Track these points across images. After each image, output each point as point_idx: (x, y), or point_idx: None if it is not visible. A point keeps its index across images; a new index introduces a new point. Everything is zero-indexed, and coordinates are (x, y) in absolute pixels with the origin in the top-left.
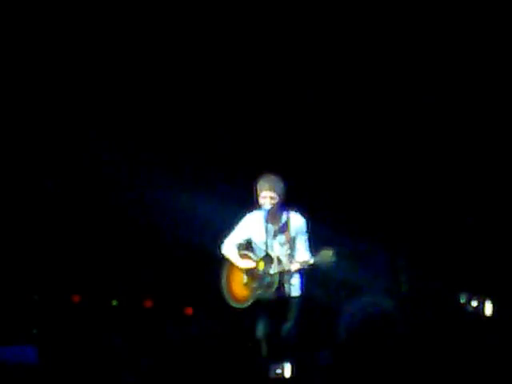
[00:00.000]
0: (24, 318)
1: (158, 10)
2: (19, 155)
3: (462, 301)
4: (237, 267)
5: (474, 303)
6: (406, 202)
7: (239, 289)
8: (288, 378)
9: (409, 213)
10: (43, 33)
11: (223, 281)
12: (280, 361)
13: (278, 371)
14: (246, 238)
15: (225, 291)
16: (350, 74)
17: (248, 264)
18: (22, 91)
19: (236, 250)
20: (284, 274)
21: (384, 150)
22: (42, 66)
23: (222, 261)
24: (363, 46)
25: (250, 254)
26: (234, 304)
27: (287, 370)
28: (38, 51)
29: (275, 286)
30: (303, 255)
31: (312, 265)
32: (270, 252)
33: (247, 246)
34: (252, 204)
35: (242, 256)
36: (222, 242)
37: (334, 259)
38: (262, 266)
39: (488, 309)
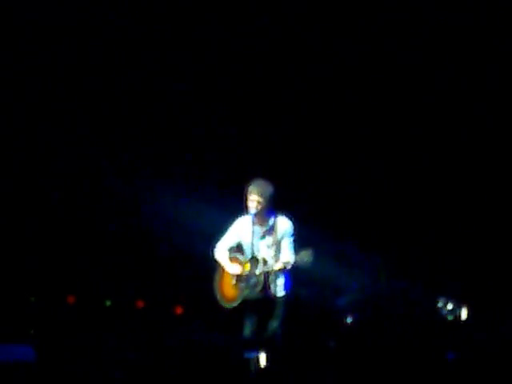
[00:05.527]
0: (21, 319)
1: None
2: (15, 156)
3: (440, 305)
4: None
5: (450, 307)
6: (391, 205)
7: (229, 289)
8: (268, 371)
9: (392, 216)
10: (43, 45)
11: (215, 282)
12: (255, 350)
13: (253, 359)
14: (236, 241)
15: (216, 292)
16: (332, 79)
17: (236, 270)
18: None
19: (227, 254)
20: (269, 275)
21: (365, 152)
22: (42, 71)
23: (214, 263)
24: (355, 48)
25: (239, 257)
26: (224, 304)
27: (262, 359)
28: (39, 57)
29: (261, 285)
30: (287, 256)
31: (292, 264)
32: (256, 254)
33: (237, 249)
34: (243, 208)
35: (232, 259)
36: (215, 245)
37: (311, 259)
38: (248, 267)
39: (464, 314)
